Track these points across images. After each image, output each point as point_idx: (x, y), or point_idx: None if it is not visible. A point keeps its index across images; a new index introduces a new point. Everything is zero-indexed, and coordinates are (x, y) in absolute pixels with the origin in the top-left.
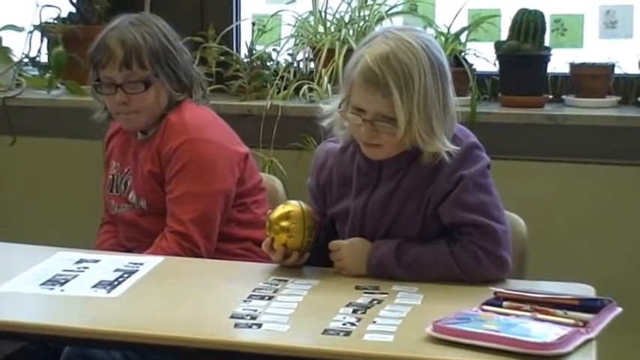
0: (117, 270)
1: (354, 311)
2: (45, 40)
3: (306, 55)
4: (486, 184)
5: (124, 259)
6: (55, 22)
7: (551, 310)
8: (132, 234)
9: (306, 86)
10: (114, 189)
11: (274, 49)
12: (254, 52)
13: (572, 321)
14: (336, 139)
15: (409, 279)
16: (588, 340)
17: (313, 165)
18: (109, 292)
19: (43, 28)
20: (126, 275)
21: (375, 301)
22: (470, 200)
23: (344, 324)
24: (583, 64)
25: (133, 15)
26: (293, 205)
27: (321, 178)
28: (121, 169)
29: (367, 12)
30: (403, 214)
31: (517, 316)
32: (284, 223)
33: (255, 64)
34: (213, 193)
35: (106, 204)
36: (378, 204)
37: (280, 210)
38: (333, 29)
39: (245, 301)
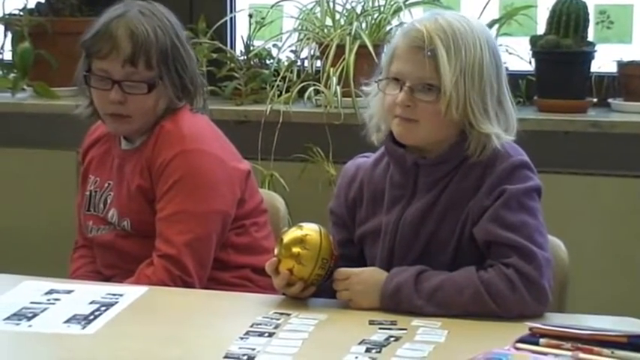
0: (93, 302)
1: (368, 350)
2: (9, 35)
3: (312, 52)
4: (531, 207)
5: (100, 290)
6: (21, 13)
7: (595, 348)
8: (111, 260)
9: (311, 88)
10: (91, 207)
11: (275, 45)
12: (251, 48)
13: None
14: (367, 154)
15: (430, 312)
16: None
17: (340, 183)
18: (83, 327)
19: (7, 21)
20: (103, 308)
21: (392, 339)
22: (510, 218)
23: None
24: (632, 63)
25: (141, 2)
26: (311, 230)
27: (351, 193)
28: (101, 185)
29: (382, 2)
30: (438, 234)
31: (556, 355)
32: (295, 249)
33: (252, 62)
34: (210, 213)
35: (81, 225)
36: (413, 220)
37: (295, 233)
38: (342, 22)
39: (241, 338)
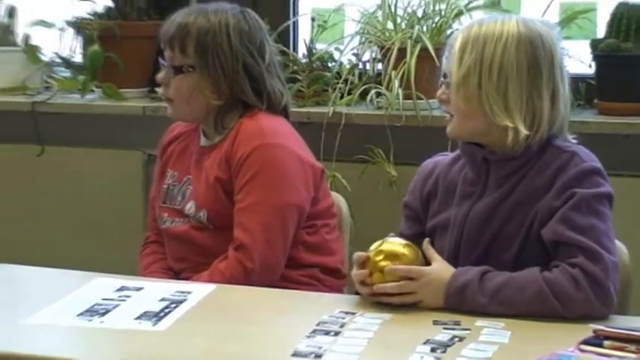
0: (163, 299)
1: (433, 350)
2: (79, 38)
3: (374, 55)
4: (601, 212)
5: (170, 287)
6: (91, 17)
7: None
8: (183, 253)
9: (373, 91)
10: (167, 200)
11: (337, 49)
12: (314, 51)
13: None
14: (446, 153)
15: (494, 311)
16: None
17: (417, 178)
18: (154, 324)
19: (78, 25)
20: (173, 305)
21: (457, 339)
22: (579, 221)
23: None
24: None
25: (232, 6)
26: (409, 250)
27: (427, 187)
28: (179, 178)
29: (443, 6)
30: (504, 230)
31: (620, 357)
32: (384, 263)
33: (315, 65)
34: (287, 206)
35: (154, 219)
36: (480, 216)
37: (391, 249)
38: (404, 26)
39: (308, 337)
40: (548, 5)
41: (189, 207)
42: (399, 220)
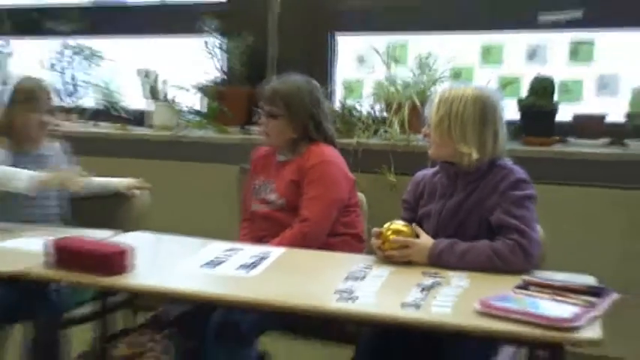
0: (253, 256)
1: (422, 290)
2: (202, 97)
3: (382, 107)
4: (529, 207)
5: (258, 250)
6: (211, 84)
7: (566, 294)
8: (266, 226)
9: (382, 129)
10: (256, 194)
11: (358, 102)
12: (345, 105)
13: (582, 303)
14: (429, 168)
15: (460, 267)
16: (595, 317)
17: (411, 183)
18: (247, 272)
19: (202, 89)
20: (260, 261)
21: (437, 284)
22: (515, 212)
23: (414, 299)
24: (582, 115)
25: (302, 77)
26: (407, 228)
27: (418, 189)
28: (264, 181)
29: (425, 77)
30: (467, 219)
31: (541, 298)
32: (392, 236)
33: (345, 113)
34: (334, 200)
35: (247, 205)
36: (451, 209)
37: (396, 227)
38: (401, 89)
39: (343, 281)
40: (490, 78)
41: (273, 197)
42: (397, 210)
